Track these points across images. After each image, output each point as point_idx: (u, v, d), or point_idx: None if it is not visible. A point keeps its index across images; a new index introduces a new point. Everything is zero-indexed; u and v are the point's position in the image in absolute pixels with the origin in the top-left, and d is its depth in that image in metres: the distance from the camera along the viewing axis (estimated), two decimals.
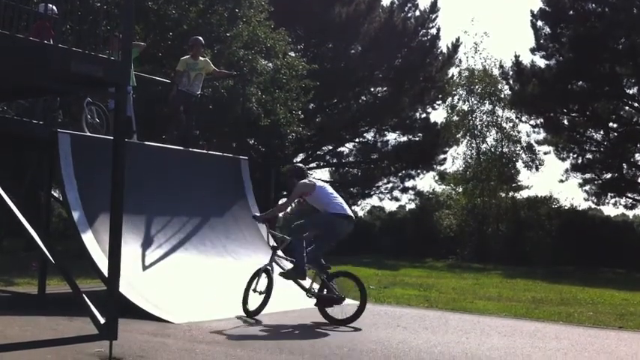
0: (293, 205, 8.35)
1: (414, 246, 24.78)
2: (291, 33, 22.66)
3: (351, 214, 8.18)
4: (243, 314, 7.89)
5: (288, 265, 8.25)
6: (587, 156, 26.66)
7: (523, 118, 26.77)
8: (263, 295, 7.85)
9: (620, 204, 26.97)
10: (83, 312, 5.61)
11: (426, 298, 10.87)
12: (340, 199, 8.23)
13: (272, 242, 8.61)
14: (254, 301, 7.89)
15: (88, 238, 8.18)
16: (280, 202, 9.26)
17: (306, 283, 8.11)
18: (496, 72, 27.22)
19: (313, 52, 26.90)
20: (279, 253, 8.31)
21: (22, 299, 9.39)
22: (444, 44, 33.36)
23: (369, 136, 30.34)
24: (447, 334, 7.28)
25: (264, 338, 6.57)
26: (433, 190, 30.41)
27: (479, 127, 27.26)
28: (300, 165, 9.39)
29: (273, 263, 8.13)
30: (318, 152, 30.35)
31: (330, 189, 8.43)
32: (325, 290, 7.94)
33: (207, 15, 16.75)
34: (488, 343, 6.75)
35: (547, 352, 6.37)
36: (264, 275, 7.98)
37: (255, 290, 7.93)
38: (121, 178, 5.67)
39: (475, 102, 27.40)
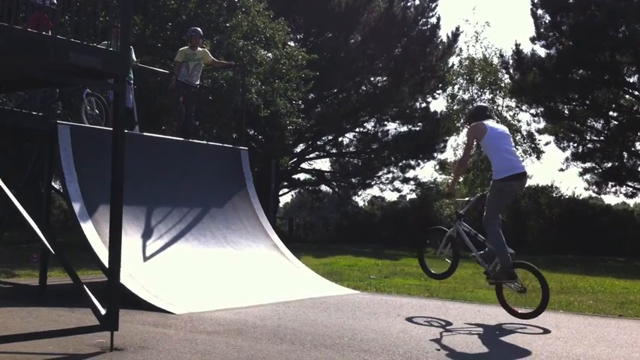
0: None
1: (415, 236, 24.78)
2: (291, 23, 22.61)
3: (523, 169, 7.25)
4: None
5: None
6: (588, 145, 26.64)
7: (523, 107, 26.74)
8: (449, 264, 7.64)
9: (621, 193, 26.99)
10: (84, 303, 5.63)
11: (427, 287, 10.88)
12: (511, 149, 7.28)
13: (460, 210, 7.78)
14: (436, 264, 8.06)
15: (88, 230, 8.20)
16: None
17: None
18: (496, 61, 27.19)
19: (313, 41, 26.82)
20: (464, 223, 7.59)
21: (23, 291, 9.41)
22: (444, 33, 33.34)
23: (369, 126, 30.36)
24: (448, 323, 7.30)
25: (264, 328, 6.58)
26: (435, 179, 30.43)
27: None
28: (481, 104, 7.97)
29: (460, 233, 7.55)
30: (318, 142, 30.32)
31: (500, 131, 7.38)
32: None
33: (206, 5, 16.70)
34: (488, 332, 6.77)
35: (547, 341, 6.39)
36: (445, 241, 7.60)
37: (439, 253, 7.69)
38: (120, 169, 5.68)
39: (475, 91, 27.36)
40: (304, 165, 31.20)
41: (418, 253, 8.19)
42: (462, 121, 27.47)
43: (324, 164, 33.55)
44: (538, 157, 27.41)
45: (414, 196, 30.57)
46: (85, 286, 5.59)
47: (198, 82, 11.70)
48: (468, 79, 27.47)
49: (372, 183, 31.36)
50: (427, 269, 7.95)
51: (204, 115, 15.64)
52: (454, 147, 28.45)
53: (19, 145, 14.30)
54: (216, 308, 7.67)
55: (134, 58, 11.00)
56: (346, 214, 29.93)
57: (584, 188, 28.20)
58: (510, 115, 26.93)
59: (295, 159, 29.32)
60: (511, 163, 7.15)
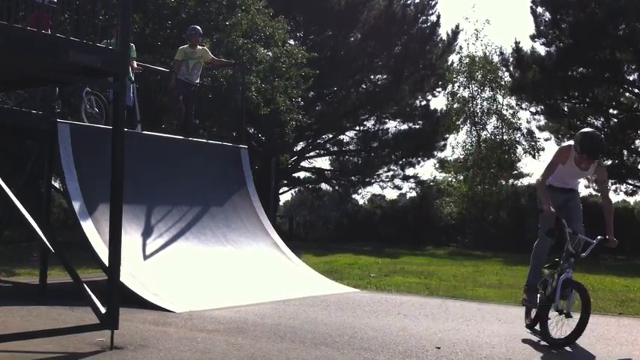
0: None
1: (415, 234, 24.81)
2: (290, 21, 22.61)
3: None
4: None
5: None
6: None
7: (523, 105, 26.74)
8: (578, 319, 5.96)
9: (621, 190, 26.98)
10: (84, 302, 5.63)
11: (427, 285, 10.89)
12: None
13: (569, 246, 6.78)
14: (558, 324, 6.00)
15: (88, 228, 8.20)
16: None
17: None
18: (496, 59, 27.20)
19: (313, 40, 26.84)
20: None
21: (23, 290, 9.41)
22: (443, 31, 33.34)
23: (369, 124, 30.36)
24: (448, 321, 7.30)
25: (264, 326, 6.58)
26: (434, 177, 30.45)
27: (479, 114, 27.24)
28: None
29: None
30: (318, 141, 30.32)
31: None
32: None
33: (205, 3, 16.70)
34: (488, 330, 6.77)
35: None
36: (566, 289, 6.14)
37: (560, 310, 6.13)
38: (120, 168, 5.68)
39: (475, 89, 27.36)
40: (304, 163, 31.22)
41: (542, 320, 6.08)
42: (461, 119, 27.43)
43: (324, 162, 33.51)
44: (537, 155, 27.42)
45: (414, 194, 30.64)
46: (85, 285, 5.59)
47: (198, 81, 11.70)
48: (468, 77, 27.46)
49: (372, 181, 31.39)
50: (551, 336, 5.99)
51: (204, 114, 15.64)
52: (453, 145, 28.50)
53: (18, 144, 14.29)
54: (216, 307, 7.68)
55: (135, 56, 10.99)
56: (346, 212, 29.94)
57: (585, 186, 28.18)
58: (510, 114, 26.97)
59: (295, 157, 29.32)
60: None
